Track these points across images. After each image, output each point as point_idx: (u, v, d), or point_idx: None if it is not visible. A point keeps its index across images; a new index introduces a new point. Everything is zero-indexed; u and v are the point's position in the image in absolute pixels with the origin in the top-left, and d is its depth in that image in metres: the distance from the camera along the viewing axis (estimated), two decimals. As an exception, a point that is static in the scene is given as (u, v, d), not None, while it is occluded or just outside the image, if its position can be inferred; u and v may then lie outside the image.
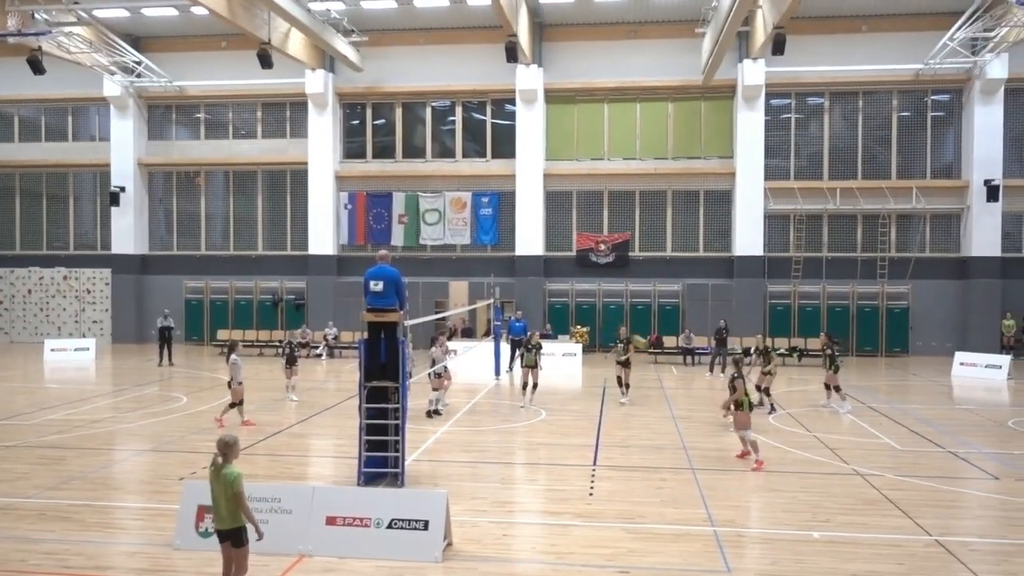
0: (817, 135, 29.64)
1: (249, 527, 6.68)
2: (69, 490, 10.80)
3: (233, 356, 15.23)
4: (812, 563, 8.17)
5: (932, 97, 29.05)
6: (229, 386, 15.32)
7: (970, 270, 28.22)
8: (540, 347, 18.53)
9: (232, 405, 15.17)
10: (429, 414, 16.31)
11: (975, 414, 17.62)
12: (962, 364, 24.33)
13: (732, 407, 12.74)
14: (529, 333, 20.05)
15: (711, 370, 24.03)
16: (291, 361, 18.58)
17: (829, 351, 18.03)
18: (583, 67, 29.66)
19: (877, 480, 11.50)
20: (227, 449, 6.69)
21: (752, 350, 19.11)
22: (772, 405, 17.20)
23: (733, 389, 12.78)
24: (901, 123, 29.18)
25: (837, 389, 17.68)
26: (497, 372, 23.07)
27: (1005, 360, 23.78)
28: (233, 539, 6.66)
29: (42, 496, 10.49)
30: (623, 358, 18.27)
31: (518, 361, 19.42)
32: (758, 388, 16.94)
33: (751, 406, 12.63)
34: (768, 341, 21.92)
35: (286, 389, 18.71)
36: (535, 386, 17.83)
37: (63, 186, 33.56)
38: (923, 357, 28.26)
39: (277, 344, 28.67)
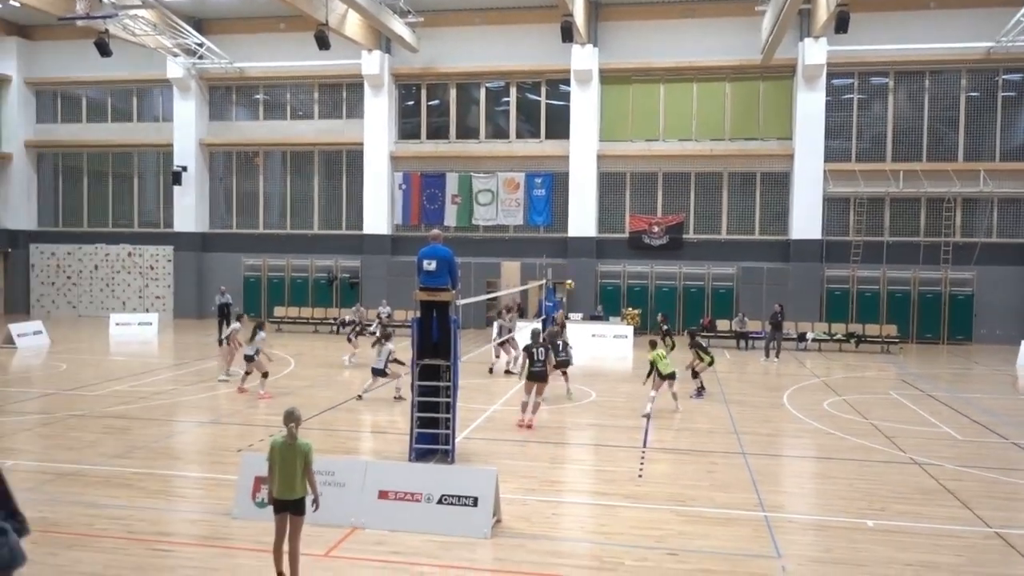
0: (880, 116, 28.80)
1: (308, 496, 6.89)
2: (133, 459, 11.19)
3: (261, 333, 16.37)
4: (867, 551, 8.04)
5: (1003, 76, 27.93)
6: (248, 360, 16.28)
7: (1040, 256, 27.22)
8: (555, 349, 15.47)
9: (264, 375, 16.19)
10: (508, 372, 19.14)
11: (1041, 405, 17.05)
12: (1029, 353, 23.54)
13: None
14: (554, 319, 19.90)
15: (767, 355, 23.69)
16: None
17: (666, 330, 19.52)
18: (639, 47, 29.29)
19: (935, 470, 11.24)
20: (298, 421, 6.93)
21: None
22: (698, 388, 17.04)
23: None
24: (969, 103, 28.17)
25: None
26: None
27: (1075, 350, 22.94)
28: (297, 508, 6.86)
29: (108, 464, 10.89)
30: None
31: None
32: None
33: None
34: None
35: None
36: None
37: (128, 165, 34.53)
38: (987, 346, 27.42)
39: (332, 321, 29.25)
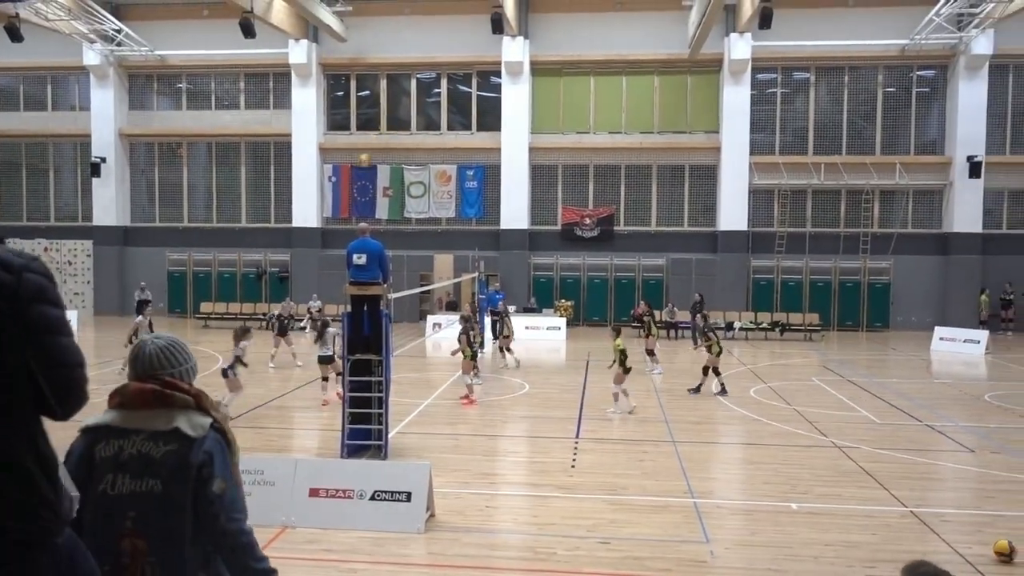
0: (802, 110, 29.66)
1: None
2: (51, 462, 10.75)
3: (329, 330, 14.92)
4: (790, 533, 8.30)
5: (917, 73, 29.09)
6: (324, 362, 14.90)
7: (951, 246, 28.47)
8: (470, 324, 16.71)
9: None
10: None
11: (952, 388, 17.87)
12: (941, 339, 24.62)
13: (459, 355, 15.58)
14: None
15: (695, 343, 24.14)
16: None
17: (648, 319, 19.68)
18: (569, 40, 29.47)
19: (854, 452, 11.67)
20: (224, 420, 6.77)
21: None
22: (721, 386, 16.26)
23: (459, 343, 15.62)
24: (886, 99, 29.23)
25: (651, 354, 19.29)
26: (481, 345, 23.06)
27: (983, 335, 24.08)
28: None
29: (24, 468, 10.44)
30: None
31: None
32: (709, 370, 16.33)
33: (475, 356, 15.89)
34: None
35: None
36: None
37: (43, 156, 33.11)
38: (903, 332, 28.57)
39: (262, 317, 28.62)
